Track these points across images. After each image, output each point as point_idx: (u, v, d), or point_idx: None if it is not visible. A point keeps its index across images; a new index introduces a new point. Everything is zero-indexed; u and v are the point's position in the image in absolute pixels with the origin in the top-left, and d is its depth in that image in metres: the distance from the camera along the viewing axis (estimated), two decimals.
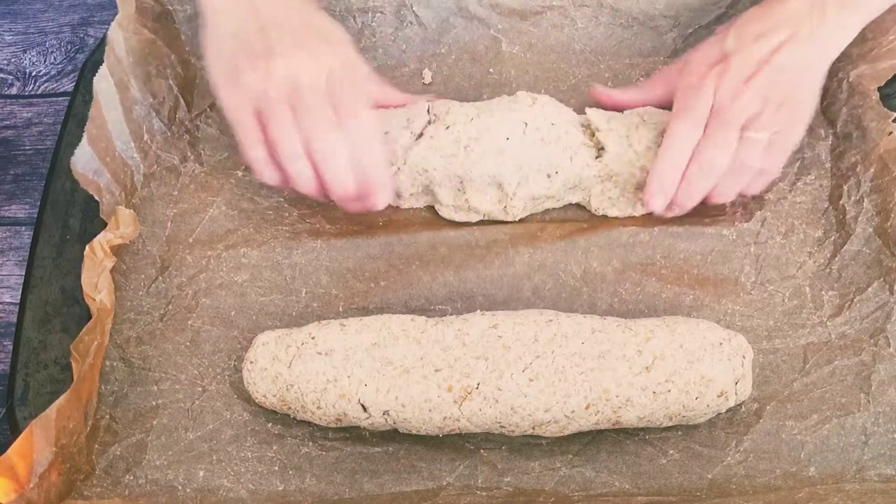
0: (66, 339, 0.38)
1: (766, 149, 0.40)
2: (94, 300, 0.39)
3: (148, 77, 0.46)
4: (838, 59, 0.46)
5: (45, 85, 0.55)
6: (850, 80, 0.45)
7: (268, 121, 0.38)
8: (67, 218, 0.44)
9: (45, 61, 0.55)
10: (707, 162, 0.40)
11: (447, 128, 0.42)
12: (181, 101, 0.47)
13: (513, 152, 0.42)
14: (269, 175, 0.40)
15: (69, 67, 0.55)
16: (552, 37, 0.49)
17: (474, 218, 0.44)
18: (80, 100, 0.46)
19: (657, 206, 0.42)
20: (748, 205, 0.44)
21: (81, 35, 0.56)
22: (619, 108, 0.45)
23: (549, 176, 0.43)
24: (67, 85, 0.54)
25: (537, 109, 0.43)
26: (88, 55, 0.49)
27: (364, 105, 0.40)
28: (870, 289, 0.41)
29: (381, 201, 0.41)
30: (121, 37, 0.44)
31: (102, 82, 0.43)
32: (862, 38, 0.45)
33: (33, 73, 0.55)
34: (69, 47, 0.55)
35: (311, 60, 0.38)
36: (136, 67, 0.45)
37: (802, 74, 0.40)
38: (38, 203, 0.45)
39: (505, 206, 0.43)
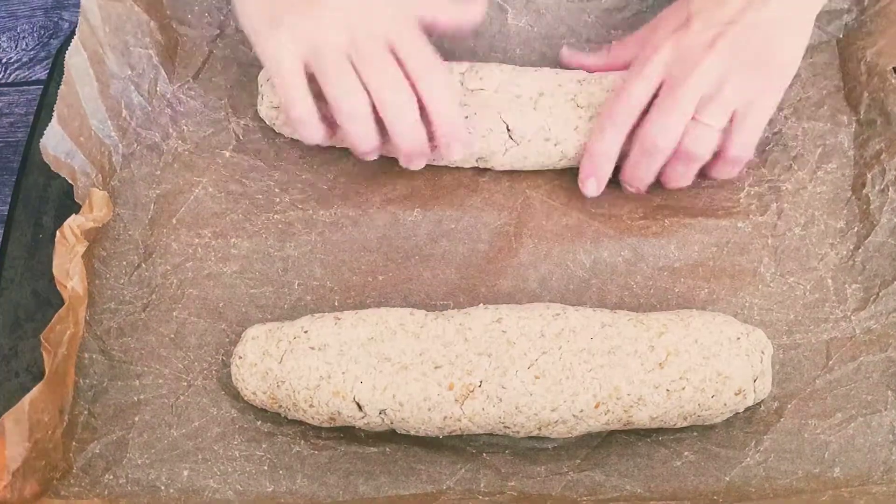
0: (38, 345, 0.36)
1: (734, 126, 0.36)
2: (66, 287, 0.37)
3: (126, 47, 0.43)
4: (856, 38, 0.44)
5: (17, 73, 0.52)
6: (868, 59, 0.43)
7: (324, 75, 0.35)
8: (40, 216, 0.41)
9: (16, 47, 0.52)
10: (649, 146, 0.36)
11: (481, 79, 0.41)
12: (161, 71, 0.44)
13: (541, 109, 0.41)
14: (313, 133, 0.38)
15: (42, 54, 0.52)
16: (562, 6, 0.46)
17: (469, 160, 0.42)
18: (54, 88, 0.43)
19: (590, 191, 0.39)
20: (763, 196, 0.42)
21: (55, 19, 0.53)
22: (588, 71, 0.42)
23: (556, 144, 0.41)
24: (40, 72, 0.51)
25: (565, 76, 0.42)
26: (63, 41, 0.47)
27: (433, 55, 0.37)
28: None
29: (457, 151, 0.39)
30: (95, 5, 0.41)
31: (75, 56, 0.40)
32: (881, 14, 0.43)
33: (3, 60, 0.52)
34: (42, 32, 0.52)
35: (366, 9, 0.35)
36: (112, 37, 0.42)
37: (779, 29, 0.35)
38: (9, 199, 0.42)
39: (506, 150, 0.42)
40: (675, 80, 0.35)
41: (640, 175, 0.38)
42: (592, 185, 0.39)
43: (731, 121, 0.37)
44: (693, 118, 0.36)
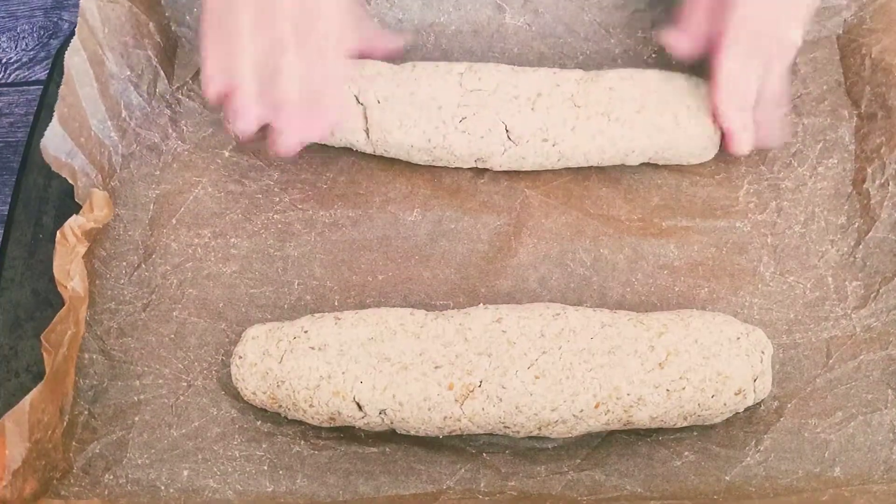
0: (38, 345, 0.36)
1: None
2: (67, 288, 0.36)
3: (125, 49, 0.42)
4: (857, 35, 0.44)
5: (17, 73, 0.51)
6: (873, 56, 0.43)
7: (227, 26, 0.36)
8: (40, 216, 0.41)
9: (15, 47, 0.51)
10: (774, 92, 0.39)
11: (479, 79, 0.41)
12: (161, 73, 0.44)
13: (540, 108, 0.40)
14: (212, 89, 0.37)
15: (42, 54, 0.51)
16: (560, 6, 0.45)
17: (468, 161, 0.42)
18: (53, 88, 0.42)
19: (747, 148, 0.41)
20: (763, 194, 0.42)
21: (55, 19, 0.52)
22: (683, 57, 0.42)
23: (554, 145, 0.41)
24: (40, 73, 0.51)
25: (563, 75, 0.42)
26: (63, 41, 0.46)
27: (339, 48, 0.38)
28: None
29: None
30: (94, 6, 0.41)
31: (75, 57, 0.39)
32: (881, 11, 0.42)
33: (3, 60, 0.51)
34: (42, 32, 0.52)
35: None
36: (111, 38, 0.41)
37: None
38: (9, 199, 0.42)
39: (505, 150, 0.41)
40: (767, 32, 0.39)
41: (774, 125, 0.41)
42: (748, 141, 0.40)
43: None
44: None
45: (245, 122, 0.37)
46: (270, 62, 0.36)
